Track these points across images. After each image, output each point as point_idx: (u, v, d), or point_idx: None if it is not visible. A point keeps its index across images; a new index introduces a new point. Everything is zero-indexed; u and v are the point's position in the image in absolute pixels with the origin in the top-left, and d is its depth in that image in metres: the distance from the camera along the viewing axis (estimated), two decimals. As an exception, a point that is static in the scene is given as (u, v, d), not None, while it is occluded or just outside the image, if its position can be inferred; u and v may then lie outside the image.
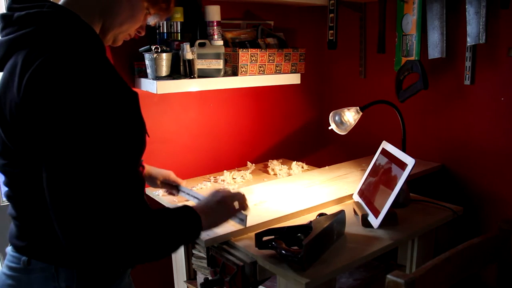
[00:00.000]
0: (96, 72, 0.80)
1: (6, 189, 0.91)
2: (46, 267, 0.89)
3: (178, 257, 1.68)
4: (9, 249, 0.94)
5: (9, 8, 0.88)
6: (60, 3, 0.90)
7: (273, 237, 1.17)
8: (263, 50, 1.80)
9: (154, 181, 1.47)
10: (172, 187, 1.50)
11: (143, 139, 0.94)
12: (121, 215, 0.81)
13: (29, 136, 0.80)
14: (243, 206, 1.18)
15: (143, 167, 1.38)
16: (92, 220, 0.77)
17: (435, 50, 1.78)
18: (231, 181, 1.84)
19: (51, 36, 0.82)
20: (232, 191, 1.17)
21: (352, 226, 1.33)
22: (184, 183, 1.51)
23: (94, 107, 0.78)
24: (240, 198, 1.17)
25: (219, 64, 1.71)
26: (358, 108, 1.61)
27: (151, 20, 1.04)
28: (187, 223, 0.96)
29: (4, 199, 0.95)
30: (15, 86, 0.79)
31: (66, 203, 0.77)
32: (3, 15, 0.87)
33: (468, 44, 1.68)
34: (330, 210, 1.41)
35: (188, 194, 1.49)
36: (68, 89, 0.76)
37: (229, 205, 1.13)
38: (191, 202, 1.40)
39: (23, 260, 0.90)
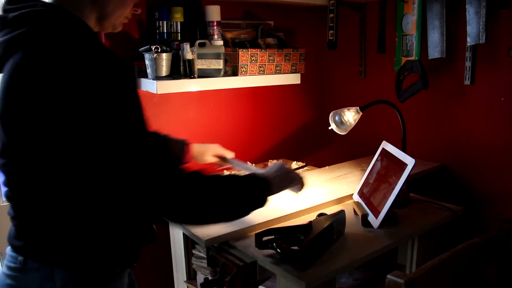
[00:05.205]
0: (92, 54, 0.81)
1: (6, 189, 0.91)
2: (41, 267, 0.89)
3: (178, 257, 1.68)
4: (8, 249, 0.95)
5: (4, 9, 0.89)
6: (50, 1, 0.90)
7: (273, 237, 1.17)
8: (263, 50, 1.80)
9: (203, 156, 1.48)
10: (223, 160, 1.51)
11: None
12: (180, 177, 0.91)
13: (32, 130, 0.81)
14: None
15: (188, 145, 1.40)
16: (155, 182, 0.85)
17: (435, 50, 1.78)
18: (231, 181, 1.83)
19: (46, 34, 0.82)
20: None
21: (352, 226, 1.33)
22: (232, 155, 1.52)
23: (95, 86, 0.79)
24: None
25: (219, 64, 1.71)
26: (358, 108, 1.61)
27: None
28: (256, 185, 1.03)
29: (4, 199, 0.95)
30: (15, 85, 0.80)
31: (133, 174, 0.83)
32: None
33: (468, 44, 1.68)
34: (330, 210, 1.41)
35: (239, 165, 1.49)
36: (67, 74, 0.78)
37: (290, 171, 1.21)
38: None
39: (19, 259, 0.90)
